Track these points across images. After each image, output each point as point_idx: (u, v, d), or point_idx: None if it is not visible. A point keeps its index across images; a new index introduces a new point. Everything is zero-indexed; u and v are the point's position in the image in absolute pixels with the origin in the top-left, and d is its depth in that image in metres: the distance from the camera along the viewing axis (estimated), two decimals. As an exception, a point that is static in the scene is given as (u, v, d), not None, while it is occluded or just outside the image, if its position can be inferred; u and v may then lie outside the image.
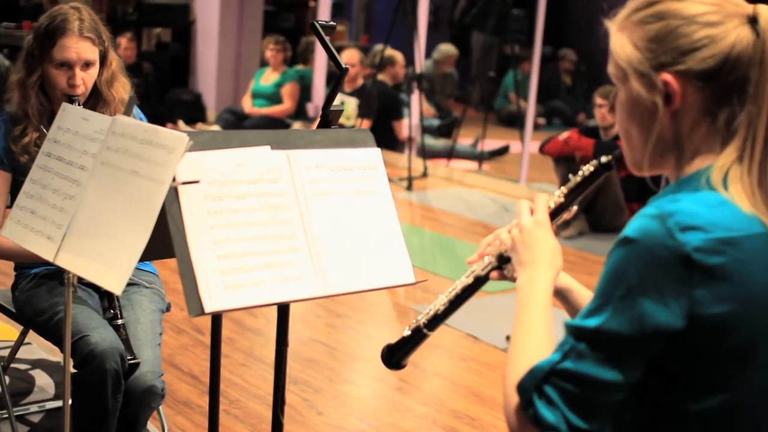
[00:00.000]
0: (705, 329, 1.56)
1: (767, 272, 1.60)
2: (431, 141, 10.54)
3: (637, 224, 1.58)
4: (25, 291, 3.36)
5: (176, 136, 2.24)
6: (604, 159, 1.88)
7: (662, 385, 1.62)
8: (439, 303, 2.03)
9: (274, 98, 10.69)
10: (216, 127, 10.40)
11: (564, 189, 1.94)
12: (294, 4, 14.92)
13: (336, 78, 2.76)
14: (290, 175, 2.43)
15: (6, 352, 3.89)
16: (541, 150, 7.99)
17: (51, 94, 3.31)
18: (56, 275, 3.32)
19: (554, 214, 1.93)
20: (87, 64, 3.27)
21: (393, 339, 2.11)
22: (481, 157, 10.45)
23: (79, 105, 3.16)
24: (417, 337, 2.05)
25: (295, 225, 2.40)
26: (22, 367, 4.41)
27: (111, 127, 2.43)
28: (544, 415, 1.58)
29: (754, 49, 1.63)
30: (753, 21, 1.64)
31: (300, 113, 10.94)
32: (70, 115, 2.63)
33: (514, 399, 1.63)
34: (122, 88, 3.39)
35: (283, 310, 2.65)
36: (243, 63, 12.21)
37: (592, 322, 1.58)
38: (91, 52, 3.27)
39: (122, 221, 2.28)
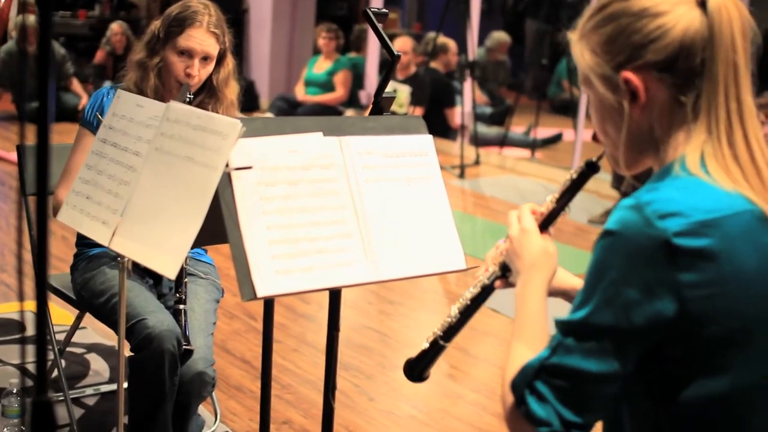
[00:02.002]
0: (698, 313, 1.55)
1: (756, 249, 1.59)
2: (484, 129, 10.52)
3: (616, 216, 1.58)
4: (83, 273, 3.40)
5: (230, 122, 2.26)
6: (590, 160, 1.89)
7: (664, 373, 1.61)
8: (452, 315, 2.06)
9: (327, 86, 10.72)
10: (269, 115, 10.45)
11: (555, 194, 1.95)
12: (347, -9, 14.96)
13: (389, 66, 2.77)
14: (342, 162, 2.44)
15: (62, 336, 3.94)
16: (594, 138, 7.94)
17: (166, 80, 3.41)
18: (115, 258, 3.37)
19: (548, 220, 1.93)
20: (206, 58, 3.38)
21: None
22: (533, 145, 10.41)
23: (190, 95, 3.29)
24: (435, 348, 2.08)
25: (347, 211, 2.41)
26: (78, 351, 4.46)
27: (165, 114, 2.46)
28: (535, 411, 1.59)
29: (706, 30, 1.62)
30: (702, 3, 1.63)
31: (352, 101, 10.96)
32: (124, 101, 2.66)
33: (510, 398, 1.64)
34: (233, 91, 3.51)
35: (334, 295, 2.67)
36: (296, 51, 12.25)
37: (578, 315, 1.59)
38: (213, 48, 3.38)
39: (176, 207, 2.31)
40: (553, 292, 2.02)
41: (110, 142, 2.61)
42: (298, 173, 2.36)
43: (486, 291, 2.04)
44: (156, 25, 3.44)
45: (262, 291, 2.21)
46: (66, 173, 3.36)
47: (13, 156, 8.41)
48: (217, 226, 2.25)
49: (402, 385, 4.38)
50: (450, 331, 2.06)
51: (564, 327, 1.61)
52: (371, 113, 2.75)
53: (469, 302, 2.05)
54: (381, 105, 2.75)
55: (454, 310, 2.06)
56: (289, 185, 2.34)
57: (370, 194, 2.47)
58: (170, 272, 2.27)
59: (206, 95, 3.47)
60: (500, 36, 12.46)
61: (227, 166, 2.24)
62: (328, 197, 2.40)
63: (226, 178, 2.24)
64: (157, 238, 2.33)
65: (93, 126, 3.35)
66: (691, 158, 1.63)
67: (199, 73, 3.37)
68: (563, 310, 1.69)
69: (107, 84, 3.31)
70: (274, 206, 2.29)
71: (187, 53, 3.35)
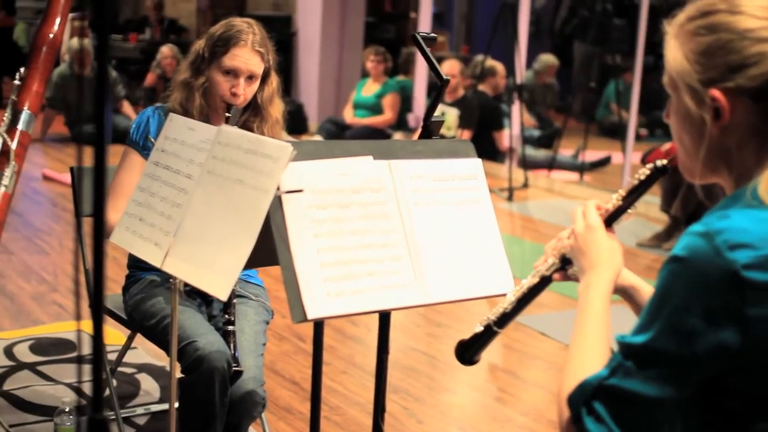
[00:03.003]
0: (763, 348, 1.53)
1: None
2: (532, 151, 10.51)
3: (684, 242, 1.56)
4: (135, 294, 3.44)
5: (281, 145, 2.28)
6: (659, 163, 1.87)
7: (727, 404, 1.60)
8: (508, 302, 2.05)
9: (375, 109, 10.75)
10: (318, 137, 10.50)
11: (621, 192, 1.93)
12: (395, 15, 15.01)
13: (437, 89, 2.79)
14: (392, 185, 2.46)
15: (114, 356, 3.98)
16: (643, 161, 7.90)
17: (211, 99, 3.43)
18: (166, 280, 3.40)
19: (613, 217, 1.92)
20: (251, 77, 3.39)
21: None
22: (582, 168, 10.38)
23: (236, 114, 3.34)
24: (488, 334, 2.08)
25: (397, 234, 2.42)
26: (129, 371, 4.51)
27: (217, 137, 2.49)
28: (591, 431, 1.59)
29: None
30: None
31: (401, 124, 10.99)
32: (176, 124, 2.70)
33: (566, 412, 1.64)
34: (278, 109, 3.52)
35: (384, 318, 2.68)
36: (344, 74, 12.31)
37: (640, 339, 1.57)
38: (258, 66, 3.40)
39: (228, 229, 2.33)
40: (614, 290, 2.00)
41: (162, 165, 2.64)
42: (349, 196, 2.38)
43: (544, 282, 2.03)
44: (200, 44, 3.46)
45: (312, 313, 2.23)
46: (112, 193, 3.39)
47: (65, 177, 8.52)
48: (267, 248, 2.27)
49: (450, 408, 4.38)
50: (504, 318, 2.06)
51: (625, 349, 1.59)
52: (420, 137, 2.76)
53: (526, 291, 2.04)
54: (430, 128, 2.76)
55: (510, 298, 2.06)
56: (339, 208, 2.35)
57: (419, 217, 2.48)
58: (222, 294, 2.29)
59: (251, 114, 3.49)
60: (548, 59, 12.44)
61: (278, 189, 2.26)
62: (378, 220, 2.41)
63: (277, 201, 2.26)
64: (209, 259, 2.36)
65: (139, 146, 3.38)
66: (764, 188, 1.59)
67: (245, 92, 3.38)
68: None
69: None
70: (324, 229, 2.31)
71: (232, 73, 3.37)
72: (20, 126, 2.36)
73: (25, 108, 2.38)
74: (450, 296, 2.51)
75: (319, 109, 12.14)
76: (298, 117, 11.89)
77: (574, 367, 1.70)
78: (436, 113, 2.78)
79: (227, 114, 3.34)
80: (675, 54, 1.68)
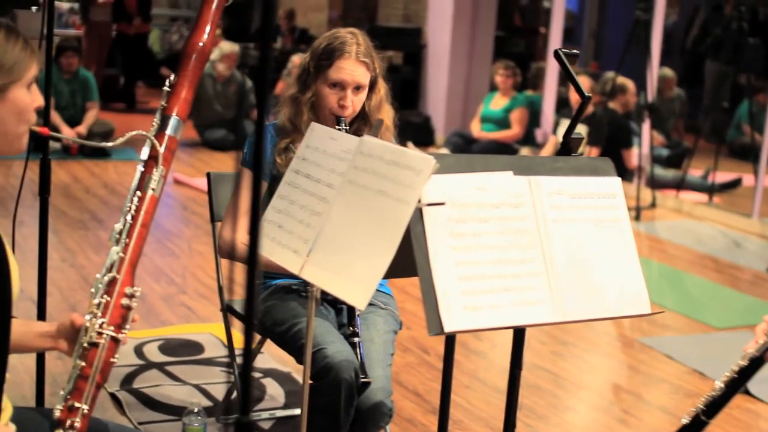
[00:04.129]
0: None
1: None
2: (660, 171, 10.37)
3: None
4: (265, 301, 3.48)
5: (423, 158, 2.29)
6: None
7: None
8: (716, 388, 2.01)
9: (503, 123, 10.72)
10: (444, 150, 10.51)
11: None
12: (525, 29, 14.96)
13: (568, 105, 2.77)
14: (531, 201, 2.45)
15: (241, 360, 4.03)
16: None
17: (319, 112, 3.44)
18: (296, 288, 3.44)
19: None
20: (358, 88, 3.40)
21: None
22: (711, 189, 10.20)
23: (345, 126, 3.33)
24: (696, 425, 2.03)
25: (535, 250, 2.42)
26: (255, 375, 4.56)
27: (359, 148, 2.51)
28: None
29: None
30: None
31: (528, 139, 10.94)
32: (318, 134, 2.72)
33: None
34: (387, 115, 3.51)
35: (518, 334, 2.67)
36: (472, 87, 12.30)
37: None
38: (364, 77, 3.40)
39: (367, 239, 2.35)
40: None
41: (303, 173, 2.67)
42: (488, 211, 2.38)
43: (755, 363, 1.99)
44: (306, 59, 3.47)
45: (449, 326, 2.23)
46: (229, 212, 3.44)
47: (195, 182, 8.67)
48: (400, 259, 2.28)
49: (574, 427, 4.34)
50: (713, 406, 2.02)
51: None
52: (559, 153, 2.75)
53: (735, 375, 2.00)
54: (569, 145, 2.75)
55: (719, 384, 2.02)
56: (478, 222, 2.36)
57: (557, 234, 2.47)
58: (361, 303, 2.30)
59: (361, 122, 3.49)
60: (664, 72, 12.22)
61: (419, 201, 2.27)
62: (517, 235, 2.41)
63: (418, 214, 2.27)
64: (347, 268, 2.37)
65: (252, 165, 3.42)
66: None
67: (353, 103, 3.39)
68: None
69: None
70: (463, 243, 2.31)
71: (339, 85, 3.38)
72: (168, 131, 2.41)
73: (174, 114, 2.42)
74: (585, 315, 2.49)
75: (447, 121, 12.14)
76: (426, 129, 11.92)
77: None
78: (576, 131, 2.76)
79: (337, 126, 3.35)
80: None
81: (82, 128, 9.99)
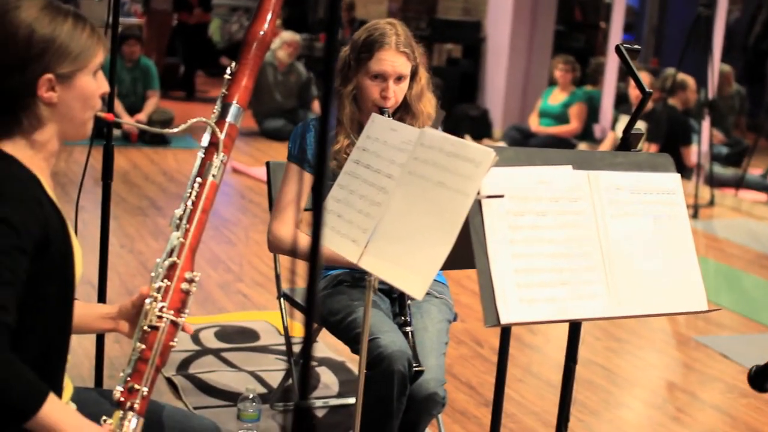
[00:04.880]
0: None
1: None
2: (719, 169, 10.28)
3: None
4: (321, 290, 3.50)
5: (483, 150, 2.30)
6: None
7: None
8: None
9: (561, 118, 10.69)
10: (501, 144, 10.50)
11: None
12: (585, 24, 14.88)
13: (627, 101, 2.76)
14: (590, 195, 2.46)
15: (298, 348, 4.07)
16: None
17: (362, 104, 3.45)
18: (352, 278, 3.46)
19: None
20: (399, 78, 3.39)
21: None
22: (771, 189, 10.11)
23: (388, 116, 3.30)
24: None
25: (593, 244, 2.42)
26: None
27: (419, 139, 2.52)
28: None
29: None
30: None
31: (586, 134, 10.89)
32: (378, 125, 2.74)
33: None
34: (429, 104, 3.49)
35: (574, 327, 2.67)
36: (531, 81, 12.26)
37: None
38: (405, 67, 3.40)
39: (426, 230, 2.36)
40: None
41: (363, 164, 2.69)
42: (547, 204, 2.39)
43: None
44: (346, 51, 3.47)
45: (505, 318, 2.25)
46: (279, 208, 3.46)
47: (253, 171, 8.73)
48: (457, 251, 2.30)
49: (626, 424, 4.33)
50: None
51: None
52: (619, 149, 2.74)
53: None
54: (629, 141, 2.74)
55: None
56: (537, 216, 2.36)
57: (615, 229, 2.47)
58: (418, 293, 2.32)
59: (403, 112, 3.48)
60: (722, 68, 12.08)
61: (478, 193, 2.28)
62: (574, 229, 2.41)
63: (477, 206, 2.28)
64: (406, 258, 2.39)
65: (298, 159, 3.44)
66: None
67: (395, 94, 3.39)
68: None
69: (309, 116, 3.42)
70: (521, 235, 2.32)
71: (381, 76, 3.37)
72: (229, 119, 2.44)
73: (234, 101, 2.46)
74: (641, 310, 2.49)
75: (504, 115, 12.11)
76: (483, 122, 11.90)
77: None
78: (636, 127, 2.76)
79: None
80: None
81: (142, 116, 10.09)
